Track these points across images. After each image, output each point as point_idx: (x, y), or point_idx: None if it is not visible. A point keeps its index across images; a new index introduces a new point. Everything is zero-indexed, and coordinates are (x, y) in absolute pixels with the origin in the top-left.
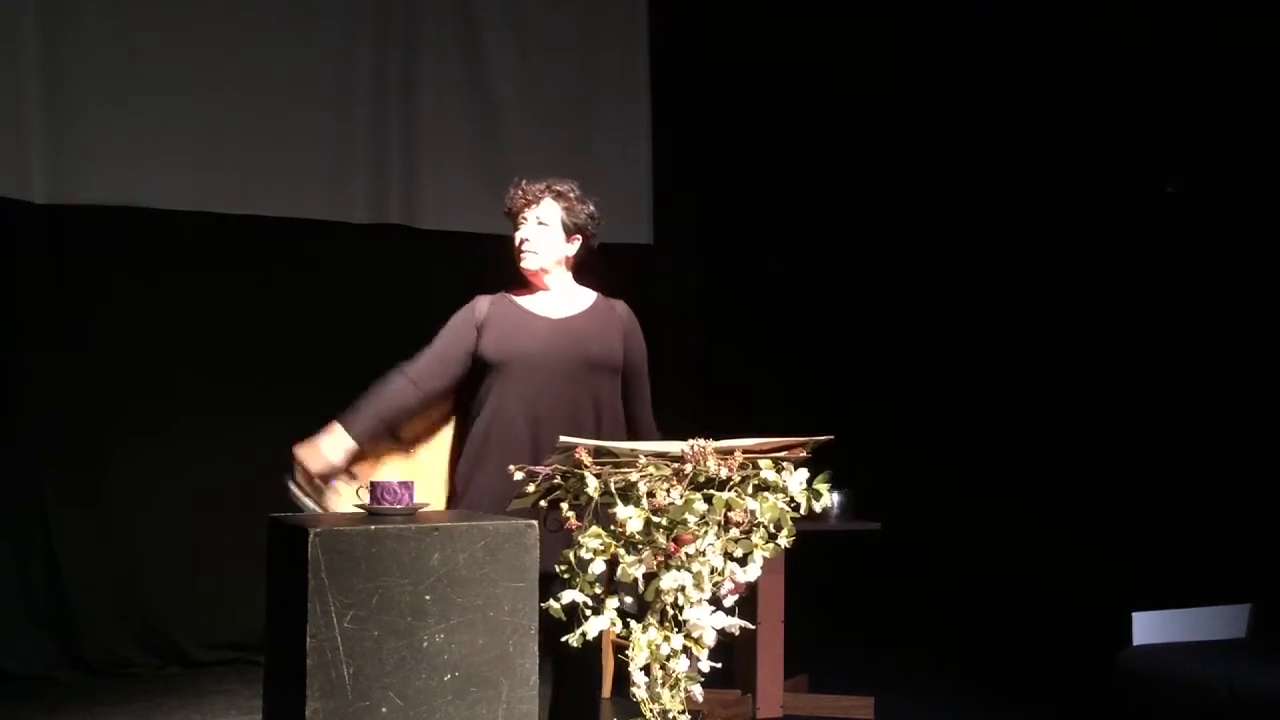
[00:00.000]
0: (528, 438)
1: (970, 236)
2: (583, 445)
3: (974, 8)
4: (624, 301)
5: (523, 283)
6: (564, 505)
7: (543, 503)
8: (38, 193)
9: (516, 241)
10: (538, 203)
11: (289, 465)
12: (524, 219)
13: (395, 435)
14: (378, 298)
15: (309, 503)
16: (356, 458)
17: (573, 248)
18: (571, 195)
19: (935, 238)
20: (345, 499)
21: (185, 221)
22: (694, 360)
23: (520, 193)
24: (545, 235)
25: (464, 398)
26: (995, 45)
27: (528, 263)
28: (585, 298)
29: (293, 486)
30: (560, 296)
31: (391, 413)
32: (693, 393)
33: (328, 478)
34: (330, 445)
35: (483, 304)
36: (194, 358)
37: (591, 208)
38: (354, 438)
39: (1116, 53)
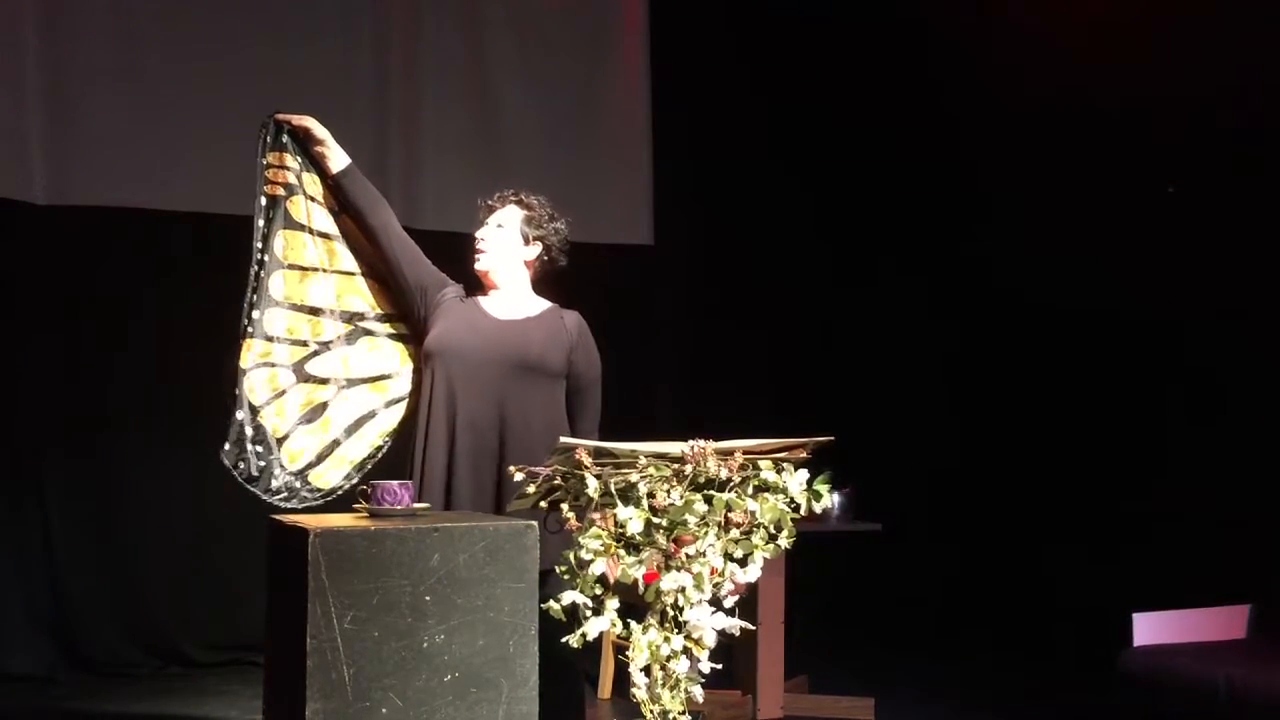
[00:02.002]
0: (446, 431)
1: (971, 236)
2: (583, 446)
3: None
4: (577, 313)
5: (480, 285)
6: (564, 506)
7: (543, 503)
8: (38, 194)
9: (476, 239)
10: (501, 208)
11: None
12: (482, 220)
13: (359, 214)
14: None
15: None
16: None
17: (529, 253)
18: (536, 205)
19: (936, 238)
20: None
21: (185, 222)
22: (693, 360)
23: (486, 202)
24: (499, 237)
25: (414, 381)
26: (995, 46)
27: (479, 263)
28: (536, 305)
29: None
30: (511, 299)
31: (365, 192)
32: (692, 393)
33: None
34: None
35: (452, 289)
36: (194, 357)
37: (559, 224)
38: (334, 149)
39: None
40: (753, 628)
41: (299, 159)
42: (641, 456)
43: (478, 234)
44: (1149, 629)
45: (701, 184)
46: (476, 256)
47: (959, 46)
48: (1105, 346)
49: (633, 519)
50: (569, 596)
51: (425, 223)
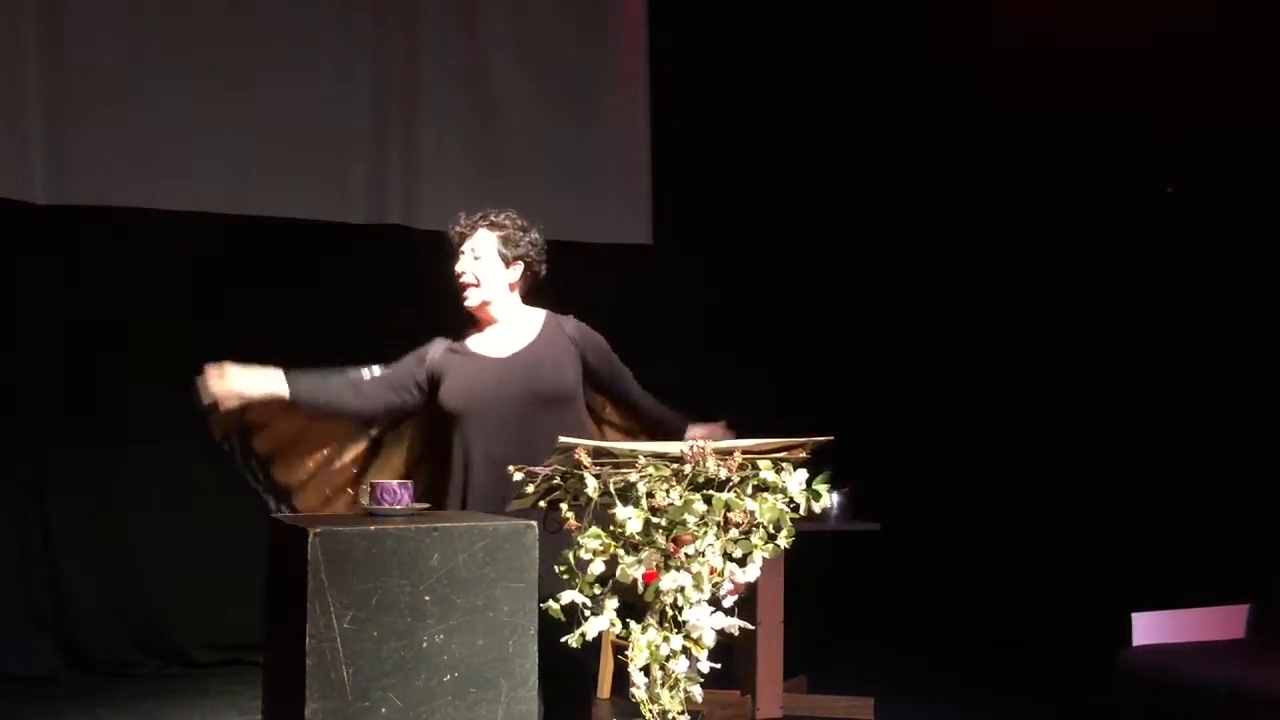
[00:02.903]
0: (494, 479)
1: (970, 236)
2: (582, 445)
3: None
4: (572, 318)
5: (475, 320)
6: (564, 506)
7: (542, 503)
8: (39, 194)
9: (454, 274)
10: (472, 235)
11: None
12: (461, 253)
13: (314, 417)
14: (377, 298)
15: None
16: (272, 409)
17: (514, 275)
18: (508, 223)
19: (936, 238)
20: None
21: (185, 222)
22: (692, 360)
23: (455, 228)
24: (482, 268)
25: (434, 438)
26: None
27: (470, 300)
28: (534, 323)
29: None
30: (509, 329)
31: (328, 394)
32: (691, 393)
33: (232, 404)
34: (258, 378)
35: (437, 349)
36: (194, 357)
37: (533, 235)
38: (287, 386)
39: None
40: (752, 627)
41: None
42: (641, 456)
43: (457, 268)
44: (1148, 629)
45: (701, 184)
46: (464, 295)
47: (961, 41)
48: (1106, 346)
49: (632, 519)
50: (568, 596)
51: (425, 223)
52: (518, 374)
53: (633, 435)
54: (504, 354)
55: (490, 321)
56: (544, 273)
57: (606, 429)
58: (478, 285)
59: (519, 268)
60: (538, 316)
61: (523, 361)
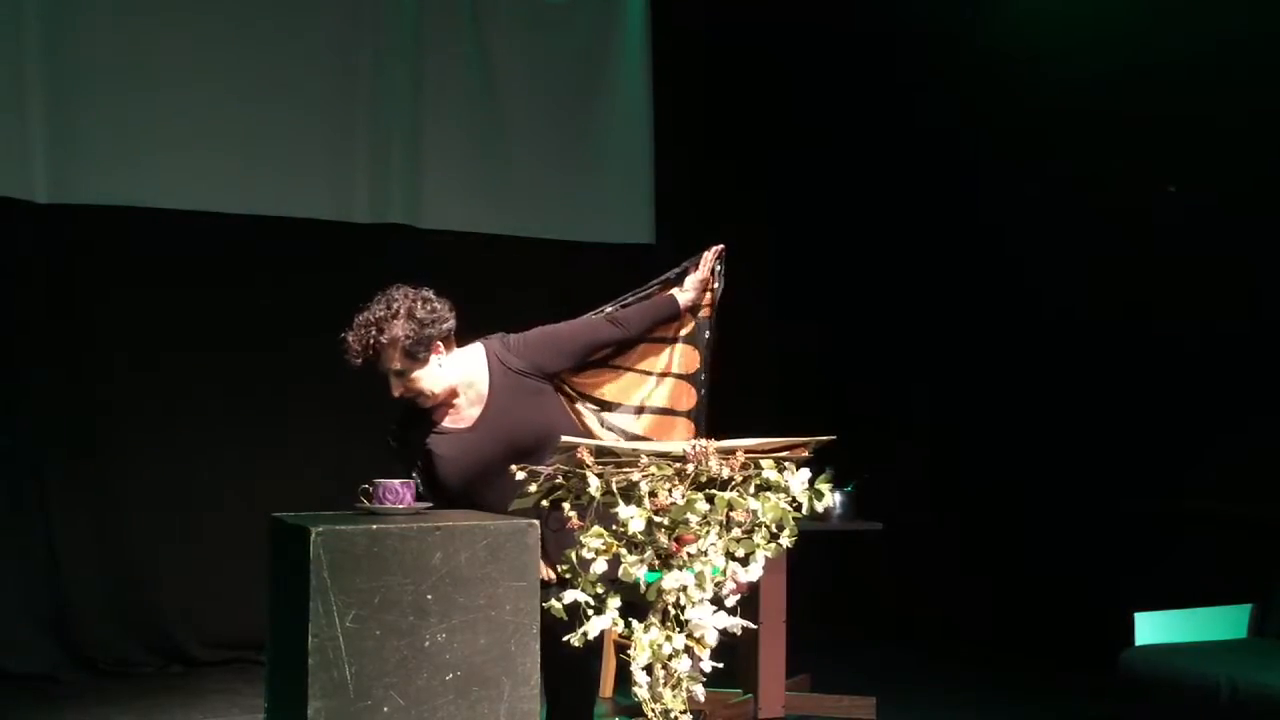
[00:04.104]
0: None
1: (971, 235)
2: (584, 445)
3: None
4: (508, 338)
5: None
6: (566, 505)
7: (544, 503)
8: (40, 193)
9: (396, 395)
10: (379, 357)
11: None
12: (381, 371)
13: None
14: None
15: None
16: None
17: (437, 359)
18: (398, 328)
19: (936, 237)
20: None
21: (186, 221)
22: None
23: (354, 359)
24: (413, 382)
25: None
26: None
27: (426, 403)
28: (480, 372)
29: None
30: (465, 396)
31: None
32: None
33: None
34: None
35: (399, 433)
36: (194, 357)
37: (422, 309)
38: None
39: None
40: (754, 626)
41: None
42: (643, 455)
43: (394, 393)
44: (1151, 628)
45: (703, 183)
46: (415, 400)
47: (961, 45)
48: (1106, 346)
49: (634, 518)
50: (570, 595)
51: (427, 222)
52: (493, 437)
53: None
54: (468, 423)
55: (447, 397)
56: (453, 323)
57: (602, 413)
58: (423, 394)
59: (440, 346)
60: (479, 362)
61: (492, 421)
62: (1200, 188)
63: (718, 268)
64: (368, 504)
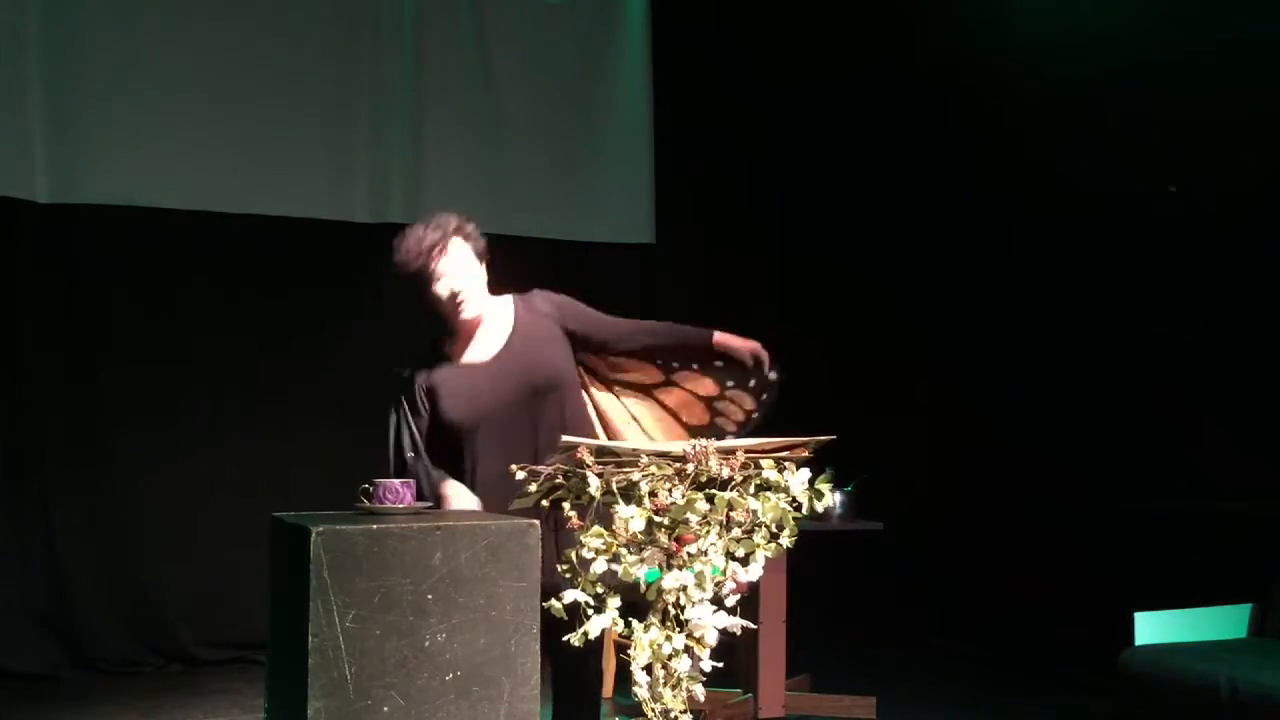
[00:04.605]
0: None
1: (971, 234)
2: (584, 445)
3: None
4: (538, 291)
5: (447, 331)
6: (566, 505)
7: (544, 502)
8: (40, 192)
9: (446, 296)
10: (445, 250)
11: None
12: (440, 272)
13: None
14: (379, 297)
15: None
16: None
17: (484, 274)
18: (468, 227)
19: (937, 236)
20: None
21: (187, 221)
22: None
23: (422, 246)
24: (469, 281)
25: (432, 447)
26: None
27: (467, 313)
28: (506, 313)
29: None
30: (489, 328)
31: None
32: None
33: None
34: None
35: (420, 377)
36: (195, 356)
37: (472, 223)
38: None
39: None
40: (754, 626)
41: None
42: (643, 455)
43: (451, 288)
44: (1151, 628)
45: (703, 183)
46: (461, 308)
47: (963, 41)
48: (1107, 345)
49: (634, 518)
50: (570, 595)
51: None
52: (510, 372)
53: (650, 367)
54: (488, 355)
55: (476, 325)
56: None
57: (617, 388)
58: (476, 298)
59: (483, 265)
60: (506, 305)
61: (510, 358)
62: (1199, 187)
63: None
64: (368, 504)
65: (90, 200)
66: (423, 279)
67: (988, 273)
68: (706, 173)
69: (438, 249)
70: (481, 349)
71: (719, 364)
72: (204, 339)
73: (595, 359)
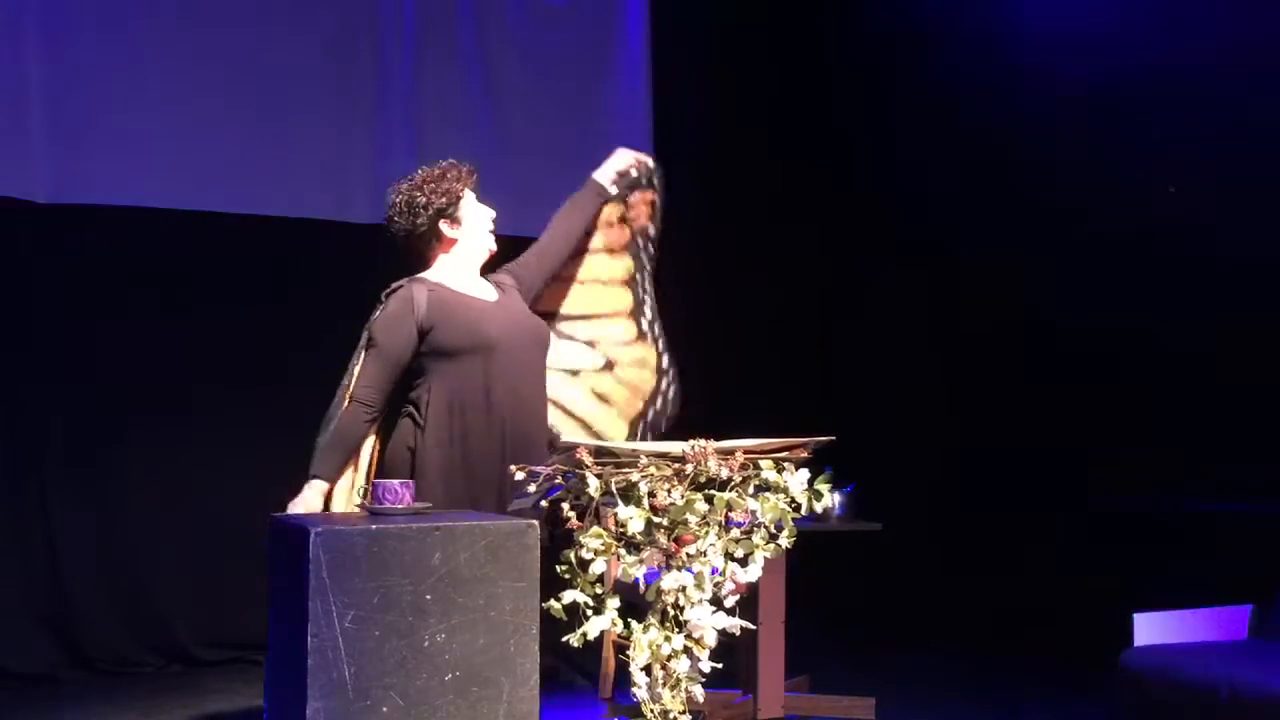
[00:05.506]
0: (497, 422)
1: (971, 233)
2: (584, 445)
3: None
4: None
5: (426, 268)
6: (565, 505)
7: (544, 502)
8: (40, 193)
9: (487, 219)
10: (473, 183)
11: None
12: (485, 203)
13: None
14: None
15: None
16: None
17: None
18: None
19: (937, 236)
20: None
21: (186, 221)
22: (693, 360)
23: (460, 169)
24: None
25: (398, 392)
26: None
27: (492, 245)
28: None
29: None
30: (481, 281)
31: (355, 444)
32: (693, 392)
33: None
34: (315, 499)
35: (419, 295)
36: (195, 357)
37: None
38: (328, 480)
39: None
40: (753, 627)
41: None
42: (642, 456)
43: (492, 212)
44: (1150, 629)
45: (701, 182)
46: (490, 234)
47: (964, 40)
48: (1107, 345)
49: (634, 518)
50: (570, 596)
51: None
52: (518, 319)
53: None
54: (492, 299)
55: (472, 266)
56: None
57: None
58: (492, 236)
59: None
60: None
61: (512, 304)
62: (1200, 186)
63: (652, 178)
64: (367, 504)
65: (90, 200)
66: (452, 203)
67: (988, 272)
68: (707, 171)
69: (471, 171)
70: (482, 290)
71: (614, 190)
72: (204, 339)
73: (558, 287)
